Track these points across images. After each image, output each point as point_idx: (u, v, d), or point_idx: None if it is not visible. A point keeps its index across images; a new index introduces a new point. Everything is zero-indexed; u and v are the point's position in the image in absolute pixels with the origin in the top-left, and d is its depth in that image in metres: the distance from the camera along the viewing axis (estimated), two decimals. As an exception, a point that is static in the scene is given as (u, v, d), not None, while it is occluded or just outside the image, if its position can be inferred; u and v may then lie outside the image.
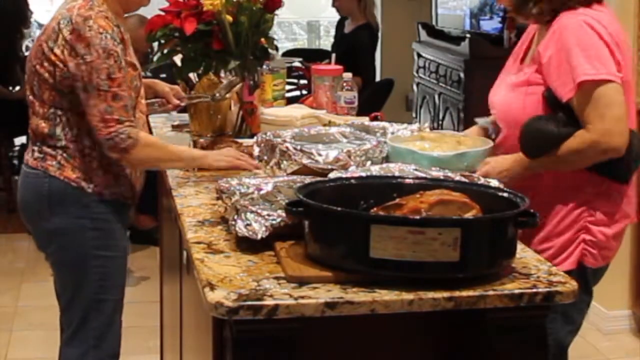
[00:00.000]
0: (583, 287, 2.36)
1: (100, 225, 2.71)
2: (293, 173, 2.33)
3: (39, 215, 2.72)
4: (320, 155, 2.36)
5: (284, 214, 1.99)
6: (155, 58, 3.29)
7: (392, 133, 2.63)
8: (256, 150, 2.50)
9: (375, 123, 2.77)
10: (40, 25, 8.24)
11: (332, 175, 2.23)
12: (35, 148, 2.71)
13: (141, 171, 2.80)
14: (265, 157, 2.46)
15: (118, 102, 2.57)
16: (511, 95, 2.53)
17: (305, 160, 2.35)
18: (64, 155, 2.67)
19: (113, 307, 2.80)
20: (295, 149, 2.38)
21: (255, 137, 2.55)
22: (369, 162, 2.40)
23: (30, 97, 2.70)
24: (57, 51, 2.60)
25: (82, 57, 2.56)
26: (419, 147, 2.47)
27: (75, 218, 2.69)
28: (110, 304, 2.79)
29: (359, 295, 1.78)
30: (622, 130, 2.37)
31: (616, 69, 2.39)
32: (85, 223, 2.69)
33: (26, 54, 6.44)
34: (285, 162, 2.38)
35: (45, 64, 2.62)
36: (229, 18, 2.97)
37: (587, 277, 2.53)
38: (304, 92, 6.39)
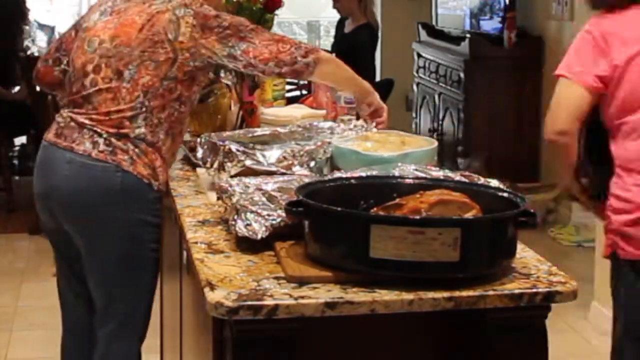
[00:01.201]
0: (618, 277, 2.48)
1: (158, 221, 2.73)
2: (236, 175, 2.32)
3: (101, 207, 2.66)
4: (263, 156, 2.36)
5: (284, 214, 1.99)
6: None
7: (339, 133, 2.62)
8: (199, 152, 2.50)
9: (323, 123, 2.76)
10: (40, 25, 8.23)
11: (331, 175, 2.24)
12: (100, 140, 2.64)
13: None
14: (209, 159, 2.45)
15: (265, 31, 2.65)
16: None
17: (248, 162, 2.35)
18: (136, 151, 2.64)
19: (152, 298, 2.82)
20: (238, 150, 2.38)
21: (199, 138, 2.55)
22: (312, 163, 2.40)
23: (113, 83, 2.64)
24: (183, 38, 2.61)
25: (219, 26, 2.61)
26: (362, 147, 2.46)
27: (141, 213, 2.68)
28: (152, 295, 2.81)
29: (359, 295, 1.78)
30: (551, 123, 2.55)
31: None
32: (149, 219, 2.69)
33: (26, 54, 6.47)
34: (228, 163, 2.37)
35: (162, 51, 2.61)
36: None
37: (619, 266, 2.52)
38: (304, 92, 6.39)
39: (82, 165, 2.66)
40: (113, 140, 2.63)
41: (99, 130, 2.65)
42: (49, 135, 2.74)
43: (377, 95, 2.86)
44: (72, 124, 2.69)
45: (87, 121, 2.66)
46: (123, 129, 2.62)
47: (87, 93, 2.67)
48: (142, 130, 2.62)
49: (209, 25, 2.62)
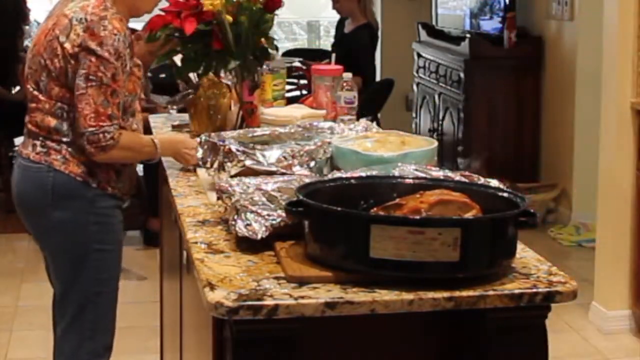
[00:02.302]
0: None
1: (102, 219, 2.76)
2: (236, 175, 2.32)
3: (40, 208, 2.75)
4: (263, 156, 2.36)
5: (284, 214, 1.99)
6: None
7: (339, 133, 2.62)
8: (200, 152, 2.51)
9: (323, 123, 2.77)
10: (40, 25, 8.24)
11: (331, 175, 2.23)
12: (38, 142, 2.73)
13: (136, 166, 2.85)
14: (209, 159, 2.46)
15: (115, 99, 2.64)
16: None
17: (248, 162, 2.35)
18: (69, 150, 2.70)
19: (108, 299, 2.84)
20: (238, 150, 2.38)
21: (199, 138, 2.56)
22: (312, 163, 2.40)
23: (35, 92, 2.73)
24: (68, 46, 2.65)
25: (94, 52, 2.62)
26: (362, 147, 2.46)
27: (78, 212, 2.73)
28: (105, 296, 2.83)
29: (359, 295, 1.78)
30: None
31: None
32: (88, 217, 2.73)
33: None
34: (228, 163, 2.38)
35: (56, 60, 2.67)
36: (229, 18, 2.97)
37: None
38: (304, 92, 6.39)
39: (24, 168, 2.77)
40: (47, 142, 2.72)
41: (36, 133, 2.75)
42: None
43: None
44: (25, 130, 2.81)
45: (29, 126, 2.77)
46: (53, 133, 2.72)
47: (27, 104, 2.78)
48: (70, 137, 2.70)
49: (89, 46, 2.63)
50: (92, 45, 2.62)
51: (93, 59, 2.61)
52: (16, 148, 7.16)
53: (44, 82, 2.70)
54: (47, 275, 2.99)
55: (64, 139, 2.70)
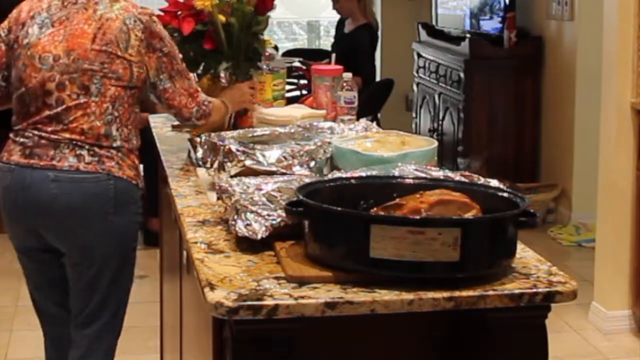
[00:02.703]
0: None
1: (142, 218, 2.86)
2: (236, 175, 2.32)
3: (99, 218, 2.70)
4: (263, 156, 2.36)
5: (284, 214, 1.99)
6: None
7: (339, 133, 2.62)
8: (200, 152, 2.51)
9: (323, 123, 2.77)
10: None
11: (331, 175, 2.23)
12: (84, 152, 2.66)
13: None
14: (209, 159, 2.46)
15: (189, 73, 2.86)
16: None
17: (248, 162, 2.35)
18: (119, 155, 2.70)
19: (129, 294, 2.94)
20: (238, 150, 2.38)
21: (199, 138, 2.57)
22: (312, 163, 2.40)
23: (81, 98, 2.66)
24: (132, 51, 2.69)
25: (161, 50, 2.74)
26: (362, 147, 2.46)
27: (133, 214, 2.78)
28: (129, 292, 2.94)
29: (359, 295, 1.78)
30: None
31: None
32: (137, 218, 2.81)
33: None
34: (228, 163, 2.38)
35: (118, 61, 2.67)
36: (222, 18, 2.97)
37: None
38: (304, 92, 6.40)
39: (71, 180, 2.67)
40: (96, 149, 2.67)
41: (79, 143, 2.67)
42: (15, 158, 2.72)
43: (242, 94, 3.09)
44: (44, 142, 2.68)
45: (62, 137, 2.68)
46: (103, 140, 2.68)
47: (54, 112, 2.68)
48: (119, 142, 2.70)
49: (153, 45, 2.74)
50: (156, 43, 2.73)
51: (165, 59, 2.75)
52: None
53: (97, 84, 2.66)
54: (34, 298, 2.95)
55: (114, 144, 2.69)
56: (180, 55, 2.81)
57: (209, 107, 2.84)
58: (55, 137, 2.67)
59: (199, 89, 2.85)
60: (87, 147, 2.66)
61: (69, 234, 2.73)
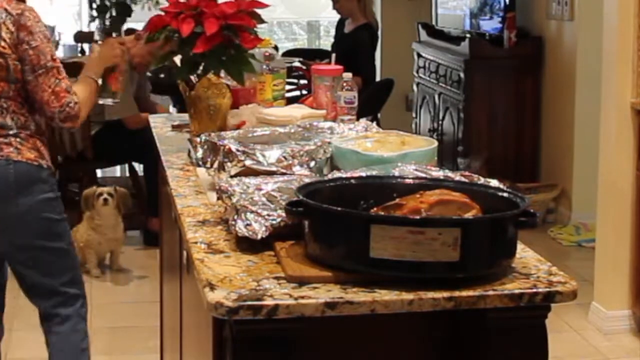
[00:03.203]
0: None
1: (56, 193, 3.03)
2: (236, 175, 2.32)
3: (5, 202, 2.92)
4: (263, 156, 2.36)
5: (284, 214, 1.99)
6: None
7: (339, 133, 2.62)
8: (200, 152, 2.51)
9: (323, 123, 2.76)
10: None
11: (331, 175, 2.23)
12: None
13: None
14: (209, 159, 2.46)
15: (62, 74, 2.94)
16: None
17: (248, 162, 2.35)
18: (17, 140, 2.90)
19: (76, 257, 3.22)
20: (238, 150, 2.38)
21: (199, 138, 2.58)
22: (312, 163, 2.40)
23: None
24: (4, 44, 2.85)
25: (28, 44, 2.86)
26: (362, 147, 2.46)
27: (41, 192, 2.95)
28: (74, 253, 3.17)
29: (359, 295, 1.78)
30: None
31: None
32: (49, 195, 2.98)
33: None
34: (228, 163, 2.38)
35: None
36: None
37: None
38: (304, 92, 6.39)
39: None
40: None
41: None
42: None
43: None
44: None
45: None
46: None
47: None
48: (15, 130, 2.91)
49: (21, 38, 2.87)
50: (25, 37, 2.85)
51: (31, 52, 2.86)
52: None
53: None
54: (27, 295, 3.27)
55: (10, 132, 2.89)
56: (55, 55, 2.93)
57: (75, 109, 2.91)
58: None
59: (70, 91, 2.93)
60: None
61: None
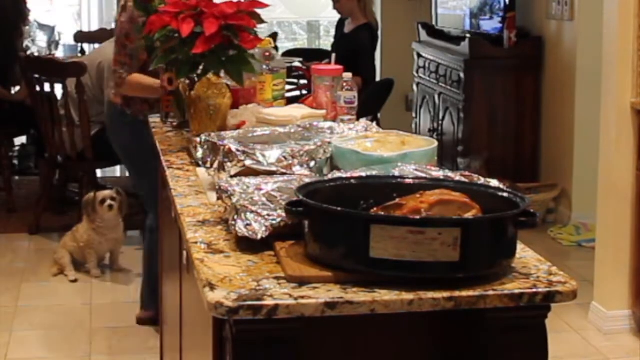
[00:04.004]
0: None
1: (137, 132, 3.99)
2: (236, 175, 2.32)
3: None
4: (263, 156, 2.36)
5: (284, 214, 1.99)
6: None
7: (339, 133, 2.62)
8: (199, 152, 2.51)
9: (323, 123, 2.77)
10: (40, 26, 8.24)
11: (331, 175, 2.23)
12: None
13: None
14: (209, 159, 2.46)
15: (126, 50, 3.87)
16: None
17: (248, 162, 2.35)
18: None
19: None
20: (238, 150, 2.38)
21: (199, 138, 2.57)
22: (312, 163, 2.40)
23: None
24: None
25: None
26: (362, 147, 2.46)
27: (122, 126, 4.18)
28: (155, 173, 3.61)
29: (359, 295, 1.78)
30: None
31: None
32: (126, 131, 4.18)
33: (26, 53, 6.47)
34: (228, 163, 2.38)
35: None
36: None
37: None
38: (304, 92, 6.39)
39: None
40: None
41: None
42: None
43: None
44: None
45: None
46: None
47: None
48: None
49: None
50: None
51: None
52: (17, 148, 7.19)
53: None
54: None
55: None
56: (127, 34, 3.55)
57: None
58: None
59: (124, 66, 3.66)
60: None
61: None
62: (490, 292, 1.82)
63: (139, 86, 3.91)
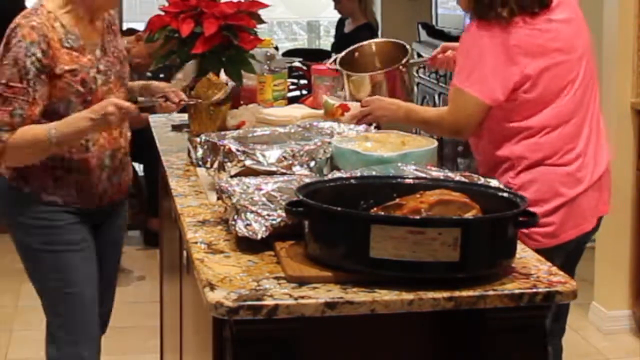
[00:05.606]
0: None
1: (43, 223, 2.79)
2: (236, 175, 2.32)
3: None
4: (263, 156, 2.36)
5: (284, 214, 1.99)
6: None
7: (339, 133, 2.63)
8: (199, 152, 2.51)
9: (323, 123, 2.77)
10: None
11: (331, 175, 2.24)
12: None
13: (100, 176, 2.83)
14: (209, 159, 2.46)
15: (7, 106, 2.64)
16: None
17: (248, 162, 2.35)
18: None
19: (81, 300, 2.82)
20: (238, 150, 2.38)
21: (199, 138, 2.56)
22: (312, 163, 2.40)
23: None
24: None
25: (0, 60, 2.66)
26: (362, 147, 2.46)
27: (17, 216, 2.81)
28: (77, 297, 2.81)
29: (359, 295, 1.78)
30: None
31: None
32: (27, 221, 2.80)
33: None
34: (228, 163, 2.38)
35: None
36: None
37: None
38: (304, 92, 6.39)
39: None
40: None
41: None
42: None
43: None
44: None
45: None
46: None
47: None
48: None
49: (1, 53, 2.67)
50: (3, 52, 2.67)
51: None
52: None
53: None
54: None
55: None
56: (14, 85, 2.62)
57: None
58: None
59: (2, 127, 2.63)
60: None
61: None
62: (490, 292, 1.82)
63: (25, 145, 2.67)
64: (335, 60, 3.29)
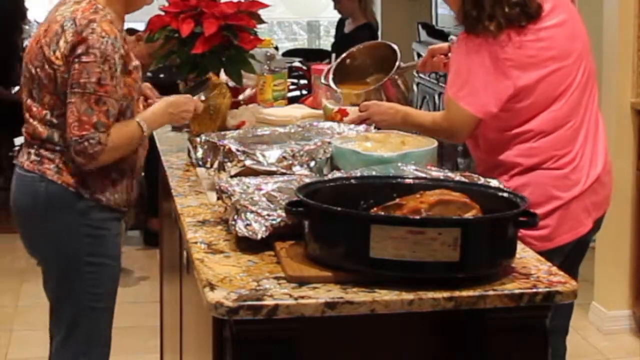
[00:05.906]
0: None
1: (95, 232, 2.71)
2: (236, 175, 2.32)
3: (34, 219, 2.70)
4: (263, 156, 2.37)
5: (284, 214, 1.99)
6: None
7: (339, 133, 2.63)
8: (200, 152, 2.51)
9: (323, 123, 2.77)
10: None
11: (331, 175, 2.24)
12: (32, 151, 2.68)
13: (136, 177, 2.81)
14: (209, 159, 2.46)
15: (101, 106, 2.55)
16: None
17: (248, 162, 2.35)
18: (63, 159, 2.64)
19: (103, 316, 2.80)
20: (238, 150, 2.38)
21: (199, 138, 2.55)
22: (312, 163, 2.40)
23: (28, 101, 2.66)
24: (58, 54, 2.58)
25: (79, 57, 2.54)
26: (362, 147, 2.46)
27: (70, 223, 2.68)
28: (100, 312, 2.78)
29: (359, 295, 1.78)
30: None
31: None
32: (80, 229, 2.68)
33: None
34: (228, 163, 2.38)
35: (46, 67, 2.60)
36: None
37: None
38: (304, 92, 6.39)
39: (19, 177, 2.73)
40: (41, 150, 2.66)
41: (30, 142, 2.69)
42: None
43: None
44: (23, 137, 2.75)
45: (25, 135, 2.73)
46: (47, 143, 2.66)
47: (23, 112, 2.72)
48: (62, 146, 2.63)
49: (75, 50, 2.55)
50: (79, 50, 2.54)
51: (76, 66, 2.54)
52: (17, 148, 7.19)
53: (36, 90, 2.63)
54: (44, 286, 2.92)
55: (57, 148, 2.64)
56: (107, 83, 2.54)
57: (94, 148, 2.54)
58: (24, 134, 2.74)
59: (99, 129, 2.54)
60: (35, 146, 2.68)
61: (19, 230, 2.80)
62: (490, 292, 1.82)
63: (124, 143, 2.66)
64: (327, 74, 3.26)
